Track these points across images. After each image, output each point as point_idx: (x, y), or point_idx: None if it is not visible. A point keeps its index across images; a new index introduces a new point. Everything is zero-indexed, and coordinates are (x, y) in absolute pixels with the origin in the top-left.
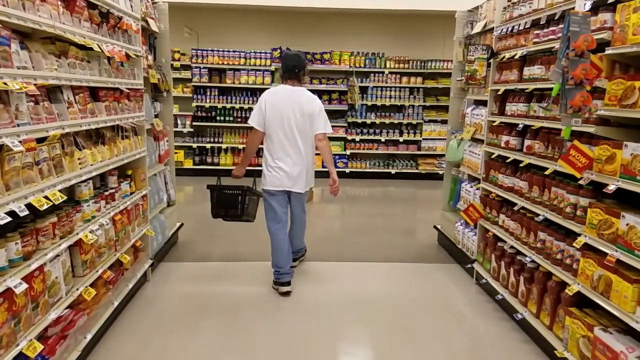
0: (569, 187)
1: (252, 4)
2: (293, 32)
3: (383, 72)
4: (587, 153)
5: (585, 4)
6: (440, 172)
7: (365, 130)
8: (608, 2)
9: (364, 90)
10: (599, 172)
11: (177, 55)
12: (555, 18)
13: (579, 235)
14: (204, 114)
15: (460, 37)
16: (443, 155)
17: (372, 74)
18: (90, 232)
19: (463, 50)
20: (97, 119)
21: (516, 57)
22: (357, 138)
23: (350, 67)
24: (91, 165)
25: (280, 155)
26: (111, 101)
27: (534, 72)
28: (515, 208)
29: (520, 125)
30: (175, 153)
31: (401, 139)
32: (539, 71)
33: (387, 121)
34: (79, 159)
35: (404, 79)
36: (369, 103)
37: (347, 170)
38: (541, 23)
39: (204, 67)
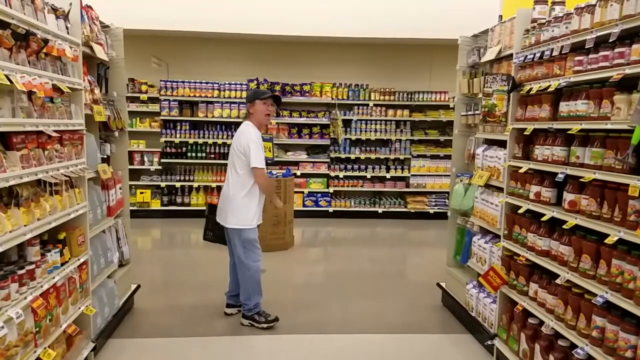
0: None
1: (227, 31)
2: (271, 62)
3: (367, 105)
4: None
5: None
6: (432, 212)
7: (349, 166)
8: None
9: (347, 123)
10: None
11: (144, 87)
12: (610, 40)
13: None
14: (173, 150)
15: (463, 66)
16: (433, 193)
17: (356, 107)
18: None
19: (468, 81)
20: (5, 174)
21: (550, 89)
22: (341, 174)
23: (333, 99)
24: None
25: None
26: (32, 148)
27: (576, 109)
28: (558, 281)
29: (561, 175)
30: (142, 193)
31: (388, 176)
32: (584, 107)
33: (372, 156)
34: None
35: (390, 111)
36: (353, 137)
37: (331, 210)
38: (586, 47)
39: (174, 100)
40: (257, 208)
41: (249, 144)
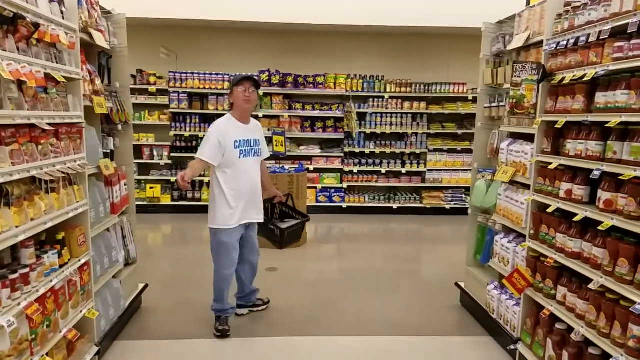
0: None
1: (238, 19)
2: (283, 52)
3: (383, 97)
4: None
5: None
6: (448, 207)
7: (363, 161)
8: None
9: (362, 116)
10: None
11: (152, 79)
12: None
13: None
14: (183, 144)
15: (487, 54)
16: (450, 188)
17: (371, 99)
18: None
19: (492, 71)
20: None
21: (586, 78)
22: (355, 169)
23: (347, 91)
24: None
25: None
26: (24, 143)
27: (615, 100)
28: (591, 286)
29: (597, 172)
30: (152, 188)
31: (403, 170)
32: (624, 98)
33: (387, 150)
34: None
35: (406, 104)
36: (368, 131)
37: (344, 205)
38: (629, 31)
39: (183, 92)
40: (234, 208)
41: (207, 135)
